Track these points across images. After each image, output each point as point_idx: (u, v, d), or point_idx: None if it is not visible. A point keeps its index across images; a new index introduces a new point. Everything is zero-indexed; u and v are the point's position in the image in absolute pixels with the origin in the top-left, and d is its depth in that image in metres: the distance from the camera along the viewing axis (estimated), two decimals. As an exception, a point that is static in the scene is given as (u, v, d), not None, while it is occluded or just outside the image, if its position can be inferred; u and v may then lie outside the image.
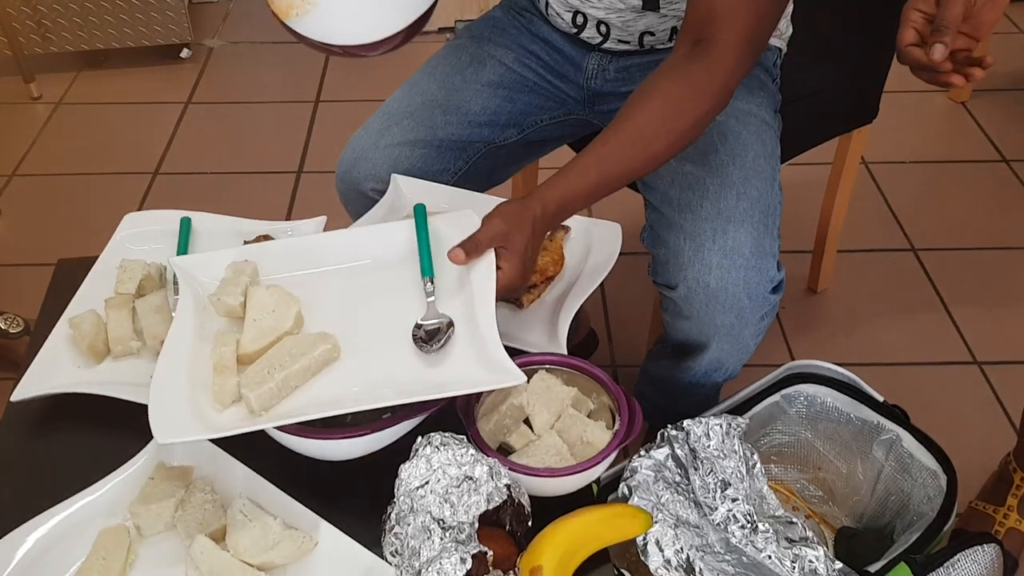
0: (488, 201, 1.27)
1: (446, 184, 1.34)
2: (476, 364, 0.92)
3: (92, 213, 2.19)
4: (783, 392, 1.37)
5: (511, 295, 1.07)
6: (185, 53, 2.75)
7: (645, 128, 1.06)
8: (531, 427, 0.96)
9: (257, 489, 0.92)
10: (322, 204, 1.37)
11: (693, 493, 1.12)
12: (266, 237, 1.21)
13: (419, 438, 0.88)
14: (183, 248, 1.20)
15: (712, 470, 1.16)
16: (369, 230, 1.11)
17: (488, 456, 0.87)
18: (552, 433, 0.94)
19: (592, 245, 1.24)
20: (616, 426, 0.96)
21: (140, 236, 1.25)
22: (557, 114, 1.41)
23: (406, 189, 1.30)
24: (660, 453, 1.18)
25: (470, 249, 1.00)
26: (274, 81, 2.69)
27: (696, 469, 1.15)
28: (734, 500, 1.09)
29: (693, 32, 1.08)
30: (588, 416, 0.99)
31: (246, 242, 1.21)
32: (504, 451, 0.95)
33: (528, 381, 0.99)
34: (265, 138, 2.46)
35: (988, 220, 2.14)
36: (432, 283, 1.01)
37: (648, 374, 1.51)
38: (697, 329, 1.23)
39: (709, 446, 1.19)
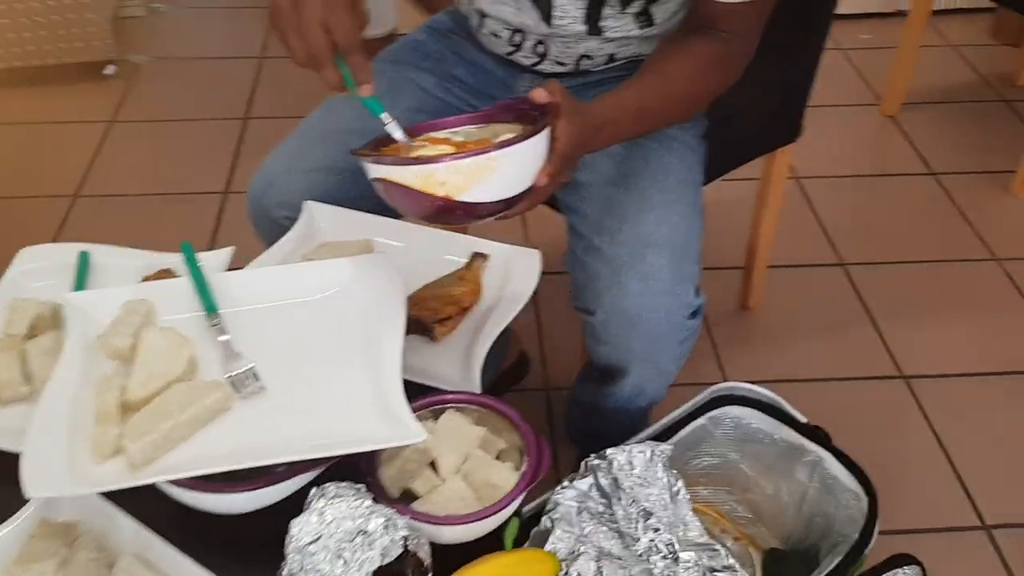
0: (406, 228, 1.25)
1: (363, 211, 1.30)
2: (376, 417, 0.89)
3: (8, 241, 2.10)
4: (710, 414, 1.36)
5: (561, 178, 0.98)
6: (110, 70, 2.67)
7: (676, 73, 1.11)
8: (436, 470, 0.93)
9: (147, 545, 0.87)
10: (249, 227, 1.33)
11: (616, 524, 1.10)
12: (167, 273, 1.16)
13: (313, 489, 0.84)
14: (80, 285, 1.15)
15: (635, 499, 1.14)
16: (275, 271, 1.07)
17: (386, 506, 0.84)
18: (457, 477, 0.90)
19: (510, 274, 1.21)
20: (524, 467, 0.93)
21: (36, 272, 1.19)
22: (481, 139, 1.39)
23: (319, 217, 1.26)
24: (583, 483, 1.16)
25: (552, 89, 0.96)
26: (203, 98, 2.62)
27: (619, 499, 1.14)
28: (656, 530, 1.08)
29: (699, 21, 1.13)
30: (498, 457, 0.96)
31: (146, 277, 1.16)
32: (408, 497, 0.92)
33: (436, 421, 0.96)
34: (192, 157, 2.40)
35: (916, 234, 2.15)
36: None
37: (575, 399, 1.48)
38: (616, 354, 1.21)
39: (632, 474, 1.18)
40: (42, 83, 2.62)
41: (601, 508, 1.12)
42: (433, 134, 1.01)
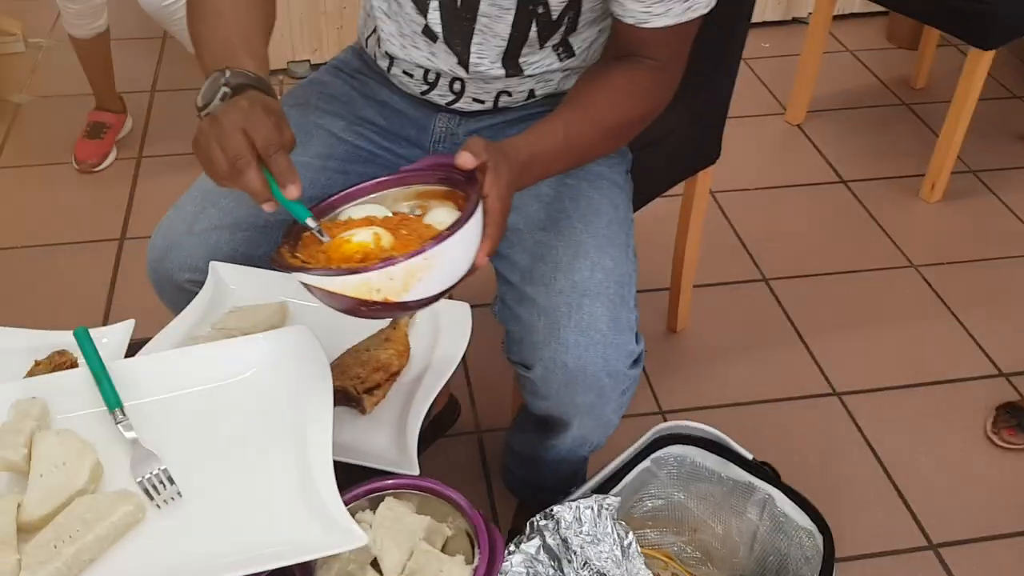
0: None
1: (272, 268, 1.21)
2: (309, 519, 0.80)
3: None
4: (653, 456, 1.33)
5: (499, 237, 0.92)
6: (-14, 112, 2.49)
7: (601, 102, 1.07)
8: (379, 570, 0.85)
9: None
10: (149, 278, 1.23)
11: None
12: (62, 354, 1.05)
13: (245, 610, 0.75)
14: (-39, 376, 1.03)
15: (586, 561, 1.11)
16: (183, 354, 0.97)
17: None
18: (403, 577, 0.83)
19: (440, 330, 1.13)
20: (476, 560, 0.86)
21: (-93, 361, 1.06)
22: (398, 182, 1.31)
23: (227, 278, 1.17)
24: (531, 546, 1.11)
25: (476, 151, 0.89)
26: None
27: (570, 561, 1.10)
28: None
29: (622, 49, 1.09)
30: (444, 547, 0.88)
31: (37, 362, 1.05)
32: (350, 602, 0.84)
33: (374, 512, 0.88)
34: (83, 202, 2.24)
35: (832, 244, 2.16)
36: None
37: (513, 448, 1.42)
38: (557, 408, 1.16)
39: (581, 531, 1.14)
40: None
41: (551, 571, 1.08)
42: (351, 212, 0.93)
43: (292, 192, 0.87)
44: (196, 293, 1.16)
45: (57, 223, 2.17)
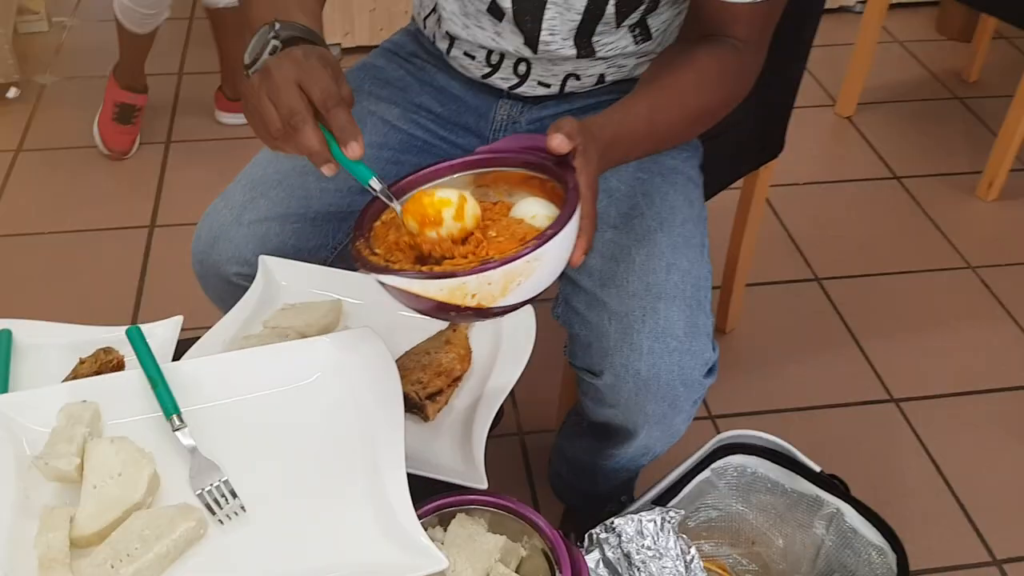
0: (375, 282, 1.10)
1: (326, 260, 1.16)
2: (383, 539, 0.74)
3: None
4: (713, 466, 1.27)
5: (594, 230, 0.84)
6: (12, 93, 2.43)
7: (686, 84, 0.99)
8: (454, 593, 0.79)
9: None
10: (179, 264, 1.17)
11: None
12: (108, 352, 0.99)
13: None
14: (2, 373, 0.97)
15: (649, 575, 1.05)
16: (241, 356, 0.91)
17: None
18: (481, 603, 0.77)
19: (502, 333, 1.07)
20: (558, 584, 0.80)
21: (-53, 358, 1.01)
22: (454, 172, 1.24)
23: (278, 273, 1.11)
24: (590, 559, 1.06)
25: (571, 132, 0.80)
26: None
27: None
28: None
29: (704, 28, 1.02)
30: (520, 568, 0.82)
31: (82, 360, 0.99)
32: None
33: (445, 529, 0.82)
34: (110, 188, 2.19)
35: (886, 243, 2.09)
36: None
37: (564, 454, 1.36)
38: (624, 417, 1.09)
39: (644, 545, 1.09)
40: (-63, 110, 2.37)
41: None
42: (425, 187, 0.85)
43: (354, 151, 0.79)
44: (243, 287, 1.10)
45: (84, 208, 2.12)
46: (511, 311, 0.75)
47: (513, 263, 0.71)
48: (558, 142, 0.80)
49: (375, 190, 0.81)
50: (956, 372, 1.78)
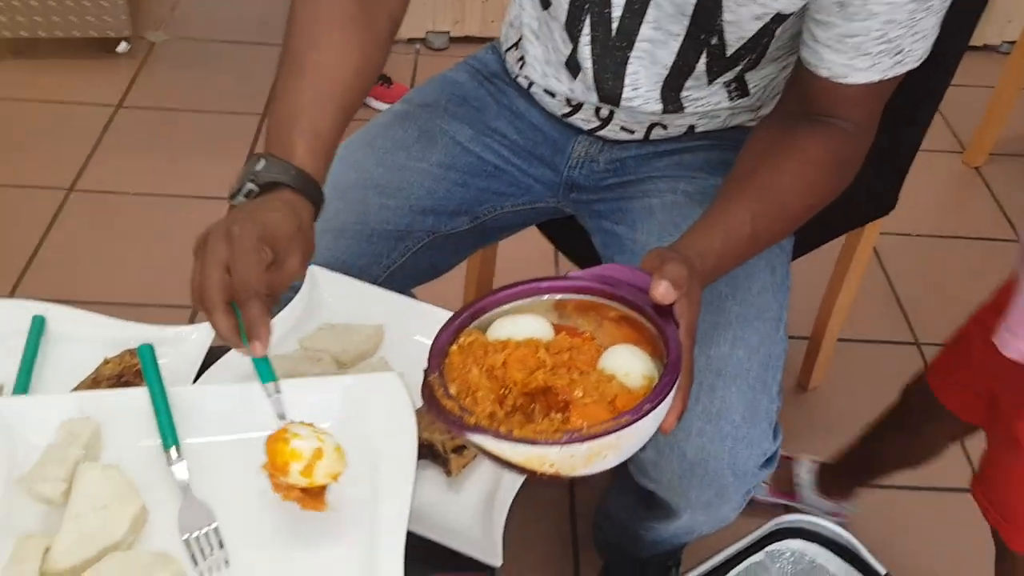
0: (426, 312, 1.03)
1: (375, 278, 1.10)
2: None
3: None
4: (768, 548, 1.18)
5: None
6: (122, 47, 2.45)
7: (794, 183, 0.88)
8: None
9: None
10: None
11: None
12: (134, 355, 0.95)
13: None
14: (27, 365, 0.94)
15: None
16: (257, 390, 0.85)
17: None
18: None
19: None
20: None
21: (-24, 337, 0.99)
22: (521, 202, 1.16)
23: (325, 288, 1.06)
24: None
25: (678, 279, 0.71)
26: (220, 87, 2.40)
27: None
28: None
29: (809, 106, 0.90)
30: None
31: (106, 360, 0.95)
32: None
33: (442, 613, 0.75)
34: (201, 155, 2.18)
35: (1001, 312, 1.91)
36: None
37: (607, 509, 1.28)
38: (667, 495, 1.01)
39: None
40: (47, 57, 2.41)
41: None
42: (506, 326, 0.74)
43: (256, 350, 0.72)
44: (287, 297, 1.05)
45: (175, 174, 2.11)
46: (586, 476, 0.67)
47: (602, 439, 0.63)
48: (663, 292, 0.70)
49: (268, 394, 0.74)
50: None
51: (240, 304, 0.72)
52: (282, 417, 0.74)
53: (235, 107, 2.32)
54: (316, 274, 1.05)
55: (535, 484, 0.69)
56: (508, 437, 0.64)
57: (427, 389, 0.68)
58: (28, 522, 0.74)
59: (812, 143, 0.88)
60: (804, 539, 1.18)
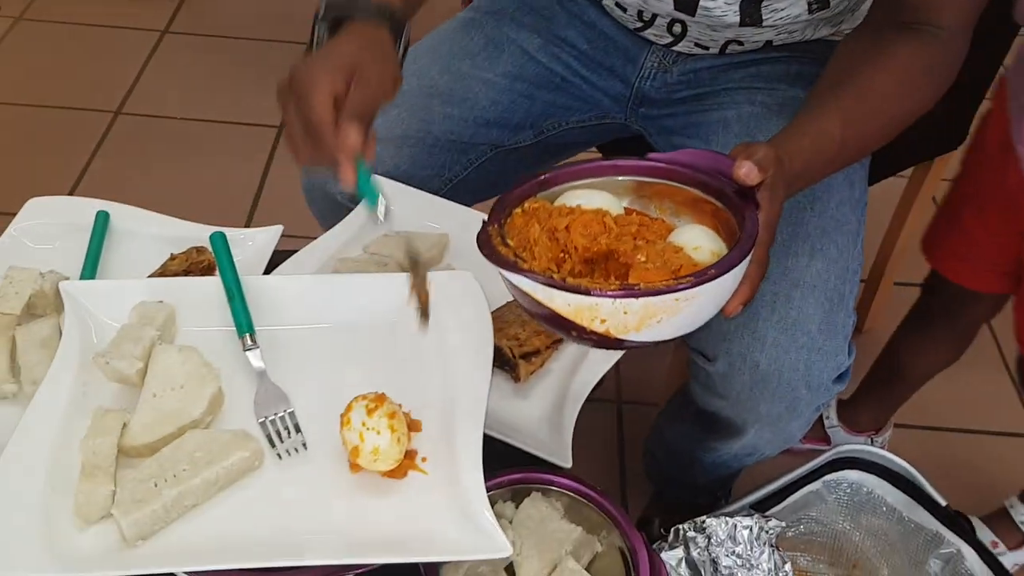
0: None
1: (438, 191, 1.08)
2: (448, 512, 0.67)
3: (41, 154, 1.91)
4: (826, 478, 1.16)
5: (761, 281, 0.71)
6: (169, -27, 2.43)
7: (887, 90, 0.84)
8: (514, 578, 0.71)
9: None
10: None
11: None
12: (201, 251, 0.95)
13: (356, 606, 0.63)
14: (93, 256, 0.94)
15: None
16: (330, 281, 0.84)
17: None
18: (543, 598, 0.69)
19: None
20: (631, 595, 0.71)
21: (44, 230, 0.99)
22: (587, 117, 1.14)
23: (388, 198, 1.04)
24: (672, 556, 0.98)
25: (765, 162, 0.68)
26: (268, 14, 2.37)
27: None
28: None
29: (898, 15, 0.87)
30: (592, 564, 0.74)
31: (172, 256, 0.95)
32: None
33: (516, 506, 0.74)
34: (247, 83, 2.16)
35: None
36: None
37: (662, 435, 1.26)
38: (734, 411, 0.98)
39: (734, 552, 1.00)
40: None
41: None
42: (577, 197, 0.71)
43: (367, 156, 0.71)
44: (349, 207, 1.04)
45: (218, 100, 2.10)
46: (639, 347, 0.64)
47: (659, 297, 0.59)
48: (746, 171, 0.67)
49: (378, 219, 0.73)
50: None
51: (339, 127, 0.70)
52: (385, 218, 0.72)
53: (279, 35, 2.29)
54: (379, 185, 1.04)
55: (578, 343, 0.65)
56: (560, 284, 0.60)
57: (484, 235, 0.66)
58: (104, 401, 0.73)
59: (904, 50, 0.85)
60: (862, 470, 1.16)
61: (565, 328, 0.62)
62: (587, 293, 0.59)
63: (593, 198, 0.69)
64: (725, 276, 0.61)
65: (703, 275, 0.60)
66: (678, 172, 0.71)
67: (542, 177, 0.71)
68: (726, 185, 0.69)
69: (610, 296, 0.59)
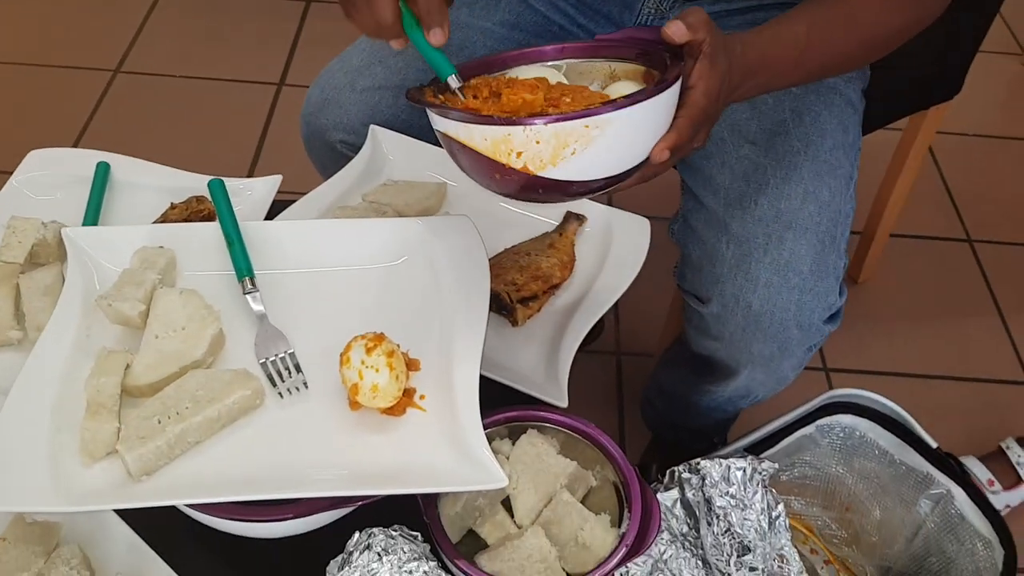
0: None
1: (436, 140, 1.08)
2: (445, 444, 0.68)
3: (40, 113, 1.92)
4: (819, 422, 1.18)
5: (689, 147, 0.73)
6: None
7: (864, 7, 0.83)
8: (512, 512, 0.73)
9: (143, 565, 0.69)
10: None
11: (703, 550, 0.94)
12: (200, 200, 0.96)
13: (356, 535, 0.65)
14: (94, 205, 0.95)
15: (729, 528, 0.98)
16: (329, 226, 0.85)
17: (455, 561, 0.65)
18: (538, 529, 0.70)
19: (611, 245, 0.99)
20: (623, 526, 0.73)
21: (45, 181, 1.00)
22: (583, 65, 1.14)
23: (386, 146, 1.05)
24: (667, 497, 0.99)
25: (694, 23, 0.69)
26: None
27: (709, 523, 0.98)
28: (752, 569, 0.93)
29: None
30: (587, 498, 0.76)
31: (173, 205, 0.96)
32: (472, 544, 0.72)
33: (513, 443, 0.76)
34: (247, 38, 2.16)
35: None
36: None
37: (659, 382, 1.28)
38: (727, 353, 1.00)
39: (727, 493, 1.01)
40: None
41: (685, 528, 0.97)
42: (520, 72, 0.74)
43: (436, 37, 0.70)
44: (347, 156, 1.05)
45: (217, 58, 2.10)
46: (570, 195, 0.65)
47: (566, 123, 0.61)
48: (675, 30, 0.68)
49: (452, 87, 0.71)
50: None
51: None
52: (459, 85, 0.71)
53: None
54: (377, 133, 1.05)
55: (507, 195, 0.67)
56: (476, 118, 0.63)
57: (414, 91, 0.68)
58: (107, 342, 0.75)
59: None
60: (855, 414, 1.18)
61: (489, 174, 0.64)
62: (498, 123, 0.62)
63: (532, 71, 0.72)
64: (635, 107, 0.62)
65: (610, 104, 0.62)
66: (617, 47, 0.74)
67: (487, 58, 0.74)
68: (663, 53, 0.70)
69: (518, 124, 0.61)
